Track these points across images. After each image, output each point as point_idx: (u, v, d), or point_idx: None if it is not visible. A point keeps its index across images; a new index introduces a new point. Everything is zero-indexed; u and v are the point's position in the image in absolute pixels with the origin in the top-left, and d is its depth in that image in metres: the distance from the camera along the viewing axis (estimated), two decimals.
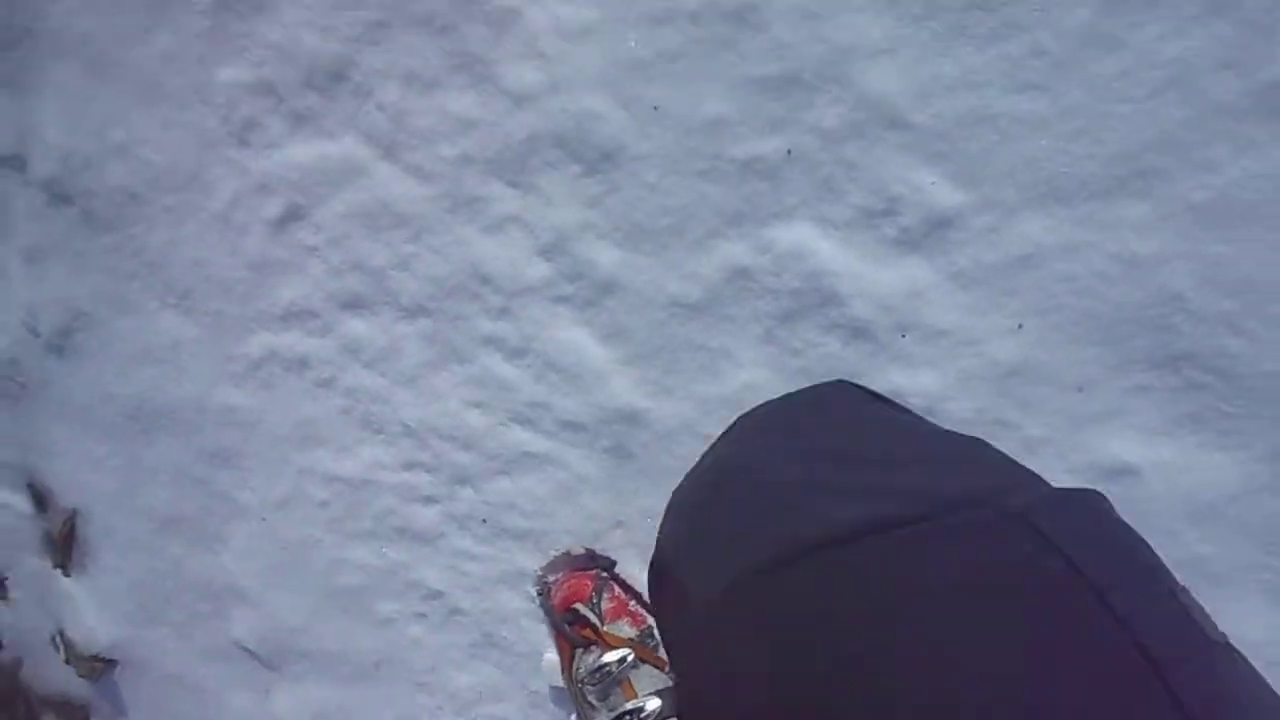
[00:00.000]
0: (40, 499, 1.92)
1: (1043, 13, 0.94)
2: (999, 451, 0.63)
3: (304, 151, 1.30)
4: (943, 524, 0.48)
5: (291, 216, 1.35)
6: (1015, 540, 0.46)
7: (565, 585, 1.40)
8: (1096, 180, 0.97)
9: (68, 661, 2.01)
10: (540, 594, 1.44)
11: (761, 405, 0.82)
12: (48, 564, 1.97)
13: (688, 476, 0.76)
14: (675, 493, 0.75)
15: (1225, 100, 0.91)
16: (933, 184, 1.03)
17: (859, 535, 0.49)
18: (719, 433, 0.78)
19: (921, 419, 0.74)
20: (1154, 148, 0.94)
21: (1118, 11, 0.92)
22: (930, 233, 1.05)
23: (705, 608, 0.56)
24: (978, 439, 0.64)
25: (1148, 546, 0.50)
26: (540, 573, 1.44)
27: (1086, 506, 0.52)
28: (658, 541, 0.73)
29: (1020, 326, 1.05)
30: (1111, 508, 0.53)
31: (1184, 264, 0.97)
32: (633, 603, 1.36)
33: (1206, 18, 0.89)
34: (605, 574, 1.39)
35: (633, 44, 1.09)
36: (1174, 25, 0.90)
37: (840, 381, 0.81)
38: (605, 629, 1.34)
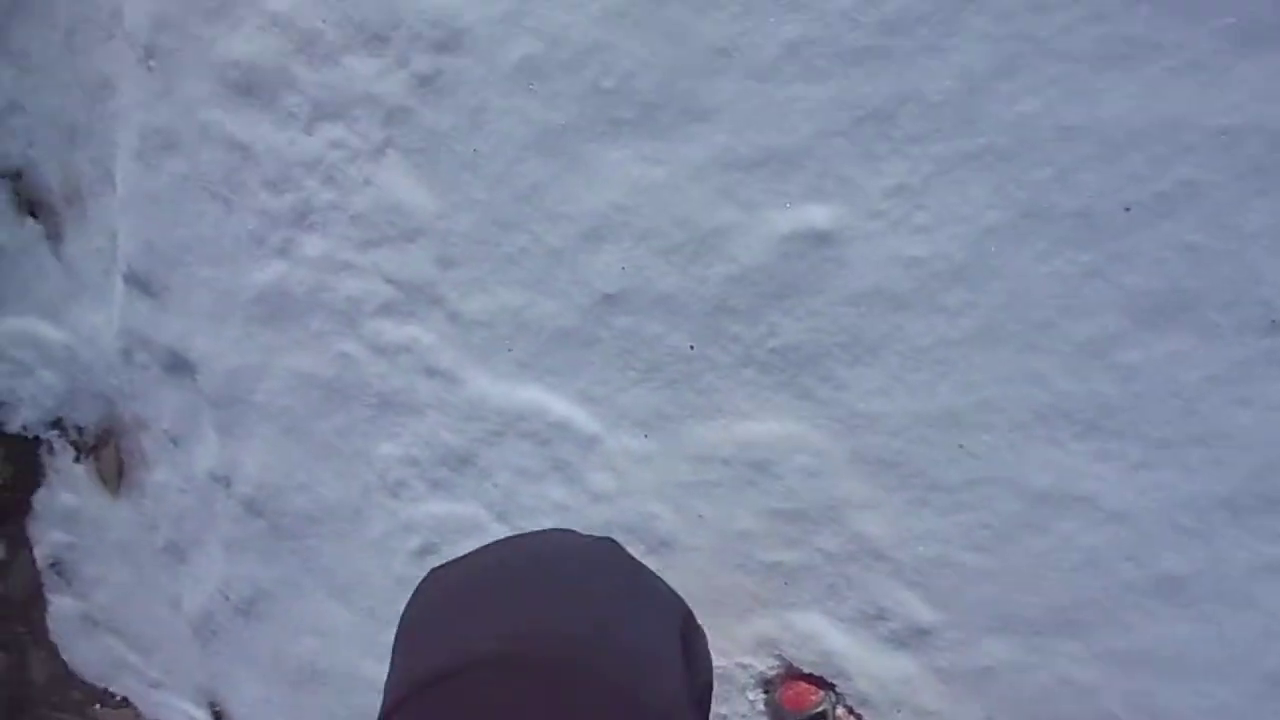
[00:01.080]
0: (219, 718, 2.35)
1: (987, 496, 1.22)
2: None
3: (438, 508, 1.69)
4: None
5: (429, 550, 1.73)
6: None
7: None
8: (1038, 620, 1.23)
9: None
10: None
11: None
12: None
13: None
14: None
15: (1132, 581, 1.16)
16: (913, 604, 1.31)
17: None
18: None
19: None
20: (1079, 606, 1.20)
21: (1043, 506, 1.19)
22: (914, 637, 1.33)
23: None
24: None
25: None
26: None
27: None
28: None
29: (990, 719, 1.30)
30: None
31: (1115, 693, 1.21)
32: None
33: (1110, 523, 1.15)
34: None
35: (682, 472, 1.43)
36: (1087, 523, 1.17)
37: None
38: None
